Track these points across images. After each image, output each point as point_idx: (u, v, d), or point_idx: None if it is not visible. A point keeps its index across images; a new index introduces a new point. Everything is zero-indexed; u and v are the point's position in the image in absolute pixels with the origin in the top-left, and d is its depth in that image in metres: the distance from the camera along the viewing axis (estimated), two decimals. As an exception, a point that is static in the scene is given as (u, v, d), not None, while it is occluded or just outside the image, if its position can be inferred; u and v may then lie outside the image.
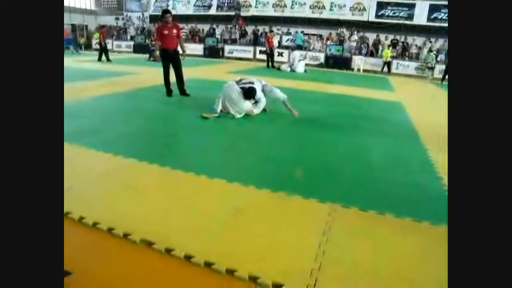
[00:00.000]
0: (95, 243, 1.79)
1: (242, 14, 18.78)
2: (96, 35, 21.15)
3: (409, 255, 1.80)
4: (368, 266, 1.69)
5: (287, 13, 17.91)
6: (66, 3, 21.18)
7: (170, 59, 5.89)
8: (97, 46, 20.43)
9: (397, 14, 16.20)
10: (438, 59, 14.25)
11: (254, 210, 2.19)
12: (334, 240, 1.88)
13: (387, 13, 16.34)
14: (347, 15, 16.90)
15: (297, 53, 12.77)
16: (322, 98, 6.91)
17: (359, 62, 14.92)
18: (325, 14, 17.25)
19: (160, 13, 6.62)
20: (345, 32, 16.33)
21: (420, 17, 15.83)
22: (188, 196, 2.33)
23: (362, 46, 15.74)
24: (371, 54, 15.75)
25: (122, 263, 1.65)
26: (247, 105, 4.53)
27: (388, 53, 14.16)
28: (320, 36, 17.22)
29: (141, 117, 4.57)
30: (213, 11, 19.59)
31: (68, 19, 21.33)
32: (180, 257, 1.67)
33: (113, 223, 1.90)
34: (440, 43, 15.28)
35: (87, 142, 3.27)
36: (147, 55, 14.76)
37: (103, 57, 12.68)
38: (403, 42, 15.81)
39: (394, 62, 14.85)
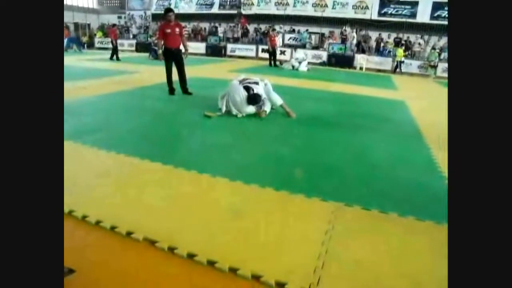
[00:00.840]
0: (98, 241, 1.80)
1: (245, 12, 18.77)
2: (99, 33, 21.26)
3: (412, 254, 1.80)
4: (371, 265, 1.68)
5: (290, 11, 17.88)
6: (68, 2, 21.24)
7: (173, 57, 5.89)
8: (100, 45, 20.60)
9: (400, 12, 16.14)
10: (442, 57, 14.18)
11: (257, 208, 2.18)
12: (337, 238, 1.88)
13: (390, 11, 16.29)
14: (350, 13, 16.84)
15: (300, 53, 12.77)
16: (325, 97, 6.89)
17: (361, 60, 14.87)
18: (328, 13, 17.21)
19: (162, 12, 6.62)
20: (348, 30, 16.26)
21: (423, 15, 15.76)
22: (190, 195, 2.33)
23: (364, 44, 15.69)
24: (378, 51, 15.71)
25: (125, 261, 1.65)
26: (251, 108, 4.51)
27: (401, 52, 14.01)
28: (323, 35, 17.16)
29: (144, 115, 4.58)
30: (215, 10, 19.59)
31: (71, 18, 21.37)
32: (183, 255, 1.67)
33: (116, 221, 1.90)
34: (444, 41, 15.20)
35: (89, 140, 3.27)
36: (149, 54, 14.75)
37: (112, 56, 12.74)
38: (406, 41, 15.74)
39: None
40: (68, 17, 20.70)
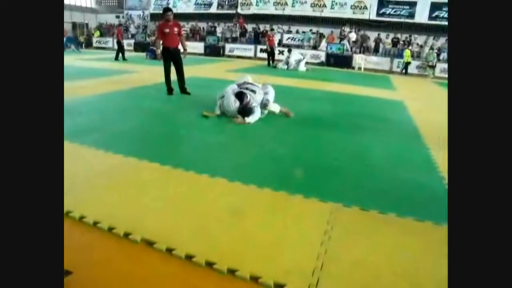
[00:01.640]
0: (96, 242, 1.78)
1: (243, 12, 18.75)
2: (97, 33, 21.21)
3: (411, 255, 1.79)
4: (370, 265, 1.68)
5: (288, 11, 17.88)
6: (66, 1, 21.15)
7: (171, 57, 5.87)
8: (98, 45, 20.56)
9: (398, 12, 16.17)
10: (441, 57, 14.21)
11: (255, 209, 2.18)
12: (335, 239, 1.87)
13: (388, 12, 16.31)
14: (348, 13, 16.86)
15: (295, 54, 12.76)
16: (323, 97, 6.89)
17: (360, 60, 14.88)
18: (326, 13, 17.21)
19: (160, 11, 6.60)
20: (347, 30, 16.28)
21: (422, 16, 15.79)
22: (189, 195, 2.32)
23: (363, 44, 15.72)
24: (376, 51, 15.74)
25: (123, 263, 1.64)
26: (241, 119, 4.37)
27: (409, 53, 13.94)
28: (321, 35, 17.17)
29: (142, 115, 4.57)
30: (213, 9, 19.56)
31: (69, 17, 21.31)
32: (181, 256, 1.66)
33: (114, 222, 1.89)
34: (441, 41, 15.23)
35: (87, 140, 3.26)
36: (146, 53, 14.69)
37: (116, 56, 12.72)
38: (404, 41, 15.77)
39: (395, 60, 14.81)
40: (66, 17, 20.63)
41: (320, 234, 1.91)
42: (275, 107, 4.69)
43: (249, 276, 1.54)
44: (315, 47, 16.64)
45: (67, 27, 20.40)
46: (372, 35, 16.46)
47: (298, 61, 12.29)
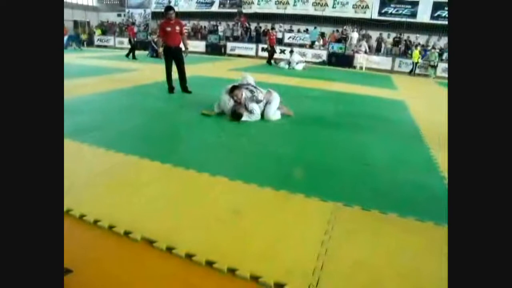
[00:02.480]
0: (96, 240, 1.78)
1: (245, 11, 18.73)
2: (98, 31, 21.22)
3: (412, 255, 1.79)
4: (371, 266, 1.67)
5: (290, 10, 17.85)
6: (68, -1, 21.19)
7: (173, 56, 5.87)
8: (99, 43, 20.57)
9: (400, 12, 16.13)
10: (443, 57, 14.17)
11: (256, 208, 2.17)
12: (336, 239, 1.87)
13: (390, 11, 16.27)
14: (350, 13, 16.83)
15: (296, 55, 12.83)
16: (324, 96, 6.88)
17: (361, 60, 14.85)
18: (328, 12, 17.19)
19: (161, 10, 6.59)
20: (349, 29, 16.24)
21: (423, 15, 15.74)
22: (189, 194, 2.32)
23: (366, 44, 15.68)
24: (377, 50, 15.73)
25: (123, 261, 1.64)
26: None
27: (417, 54, 13.81)
28: (323, 34, 17.14)
29: (143, 114, 4.56)
30: (215, 8, 19.54)
31: (70, 15, 21.32)
32: (181, 255, 1.66)
33: (114, 220, 1.89)
34: (444, 41, 15.18)
35: (88, 139, 3.26)
36: (147, 52, 14.67)
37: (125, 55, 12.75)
38: (405, 40, 15.74)
39: (397, 60, 14.77)
40: (68, 15, 20.65)
41: (321, 234, 1.90)
42: (276, 115, 4.54)
43: (249, 276, 1.54)
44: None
45: (69, 25, 20.41)
46: (374, 34, 16.42)
47: (298, 62, 12.36)
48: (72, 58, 11.62)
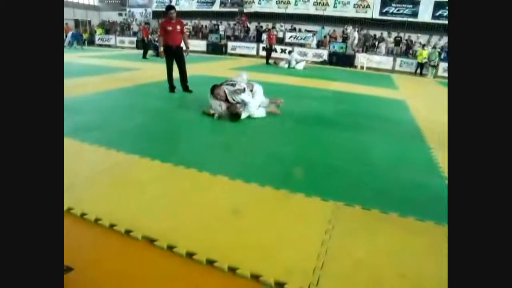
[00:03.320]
0: (97, 239, 1.79)
1: (246, 10, 18.72)
2: (99, 30, 21.22)
3: (412, 254, 1.79)
4: (371, 265, 1.67)
5: (291, 9, 17.83)
6: (69, -2, 21.19)
7: (174, 55, 5.87)
8: (100, 42, 20.57)
9: (401, 11, 16.10)
10: (442, 56, 14.14)
11: (256, 207, 2.18)
12: (336, 238, 1.87)
13: (391, 11, 16.24)
14: (351, 12, 16.80)
15: (295, 54, 12.86)
16: (325, 96, 6.87)
17: (362, 59, 14.83)
18: (329, 11, 17.17)
19: (162, 9, 6.60)
20: (350, 29, 16.22)
21: (424, 15, 15.72)
22: (190, 193, 2.32)
23: (366, 43, 15.67)
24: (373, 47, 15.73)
25: (124, 260, 1.64)
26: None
27: (423, 54, 13.65)
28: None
29: (144, 113, 4.57)
30: (216, 7, 19.53)
31: (71, 15, 21.33)
32: (182, 254, 1.66)
33: (115, 219, 1.90)
34: (444, 40, 15.15)
35: (89, 137, 3.26)
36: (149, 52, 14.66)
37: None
38: (407, 40, 15.71)
39: (398, 60, 14.75)
40: (69, 14, 20.67)
41: (321, 233, 1.91)
42: (259, 112, 4.48)
43: (249, 274, 1.54)
44: (317, 46, 16.58)
45: (71, 23, 20.43)
46: (374, 34, 16.38)
47: (299, 61, 12.39)
48: (73, 57, 11.63)
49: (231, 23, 18.77)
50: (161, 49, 5.91)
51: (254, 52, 17.18)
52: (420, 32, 15.69)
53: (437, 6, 15.40)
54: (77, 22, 21.99)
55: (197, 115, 4.51)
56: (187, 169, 2.67)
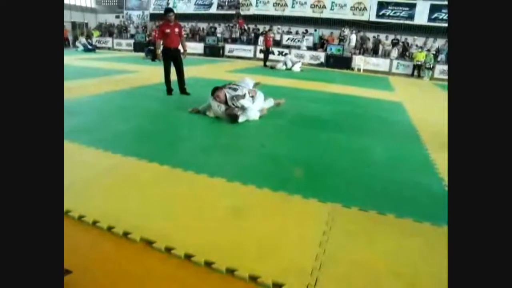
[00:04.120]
0: (95, 241, 1.79)
1: (243, 13, 18.76)
2: (96, 33, 21.18)
3: (409, 255, 1.80)
4: (369, 266, 1.68)
5: (288, 12, 17.89)
6: (66, 1, 21.12)
7: (172, 57, 5.88)
8: (97, 45, 20.51)
9: (397, 14, 16.20)
10: (439, 59, 14.23)
11: (254, 209, 2.18)
12: (334, 239, 1.88)
13: (388, 13, 16.34)
14: (348, 15, 16.88)
15: (292, 56, 12.93)
16: (322, 98, 6.90)
17: (359, 62, 14.90)
18: (326, 14, 17.24)
19: (159, 12, 6.61)
20: (347, 31, 16.29)
21: (421, 17, 15.82)
22: (188, 195, 2.33)
23: (363, 46, 15.74)
24: (375, 52, 15.81)
25: (122, 262, 1.64)
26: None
27: (419, 56, 13.72)
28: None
29: (141, 115, 4.57)
30: (213, 10, 19.56)
31: (68, 17, 21.28)
32: (180, 256, 1.67)
33: (113, 221, 1.90)
34: (440, 43, 15.25)
35: (86, 140, 3.26)
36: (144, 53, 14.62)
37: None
38: (403, 42, 15.81)
39: (395, 62, 14.82)
40: (66, 16, 20.60)
41: (319, 235, 1.91)
42: (254, 115, 4.48)
43: (248, 276, 1.55)
44: (314, 48, 16.62)
45: (68, 26, 20.41)
46: (372, 36, 16.48)
47: (295, 63, 12.44)
48: (71, 59, 11.60)
49: (229, 25, 18.80)
50: (159, 51, 5.92)
51: (251, 55, 17.20)
52: (416, 35, 15.79)
53: (433, 9, 15.51)
54: (74, 25, 21.93)
55: (194, 117, 4.52)
56: (185, 172, 2.68)
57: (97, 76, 8.07)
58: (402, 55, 15.39)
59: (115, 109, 4.84)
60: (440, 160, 3.30)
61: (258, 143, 3.67)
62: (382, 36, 16.23)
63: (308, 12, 17.56)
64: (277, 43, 16.55)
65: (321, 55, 15.77)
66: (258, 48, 16.65)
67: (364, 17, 16.67)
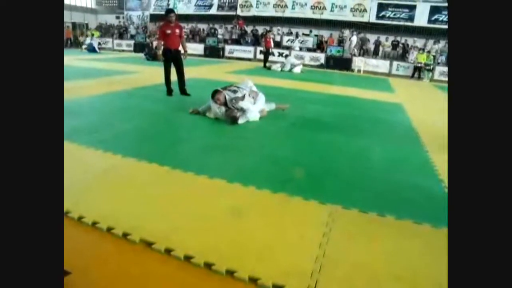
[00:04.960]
0: (95, 242, 1.78)
1: (243, 14, 18.77)
2: (96, 33, 21.18)
3: (409, 257, 1.80)
4: (368, 268, 1.68)
5: (288, 13, 17.91)
6: (66, 1, 21.15)
7: (172, 58, 5.88)
8: (98, 45, 20.51)
9: (397, 15, 16.22)
10: (439, 61, 14.25)
11: (254, 211, 2.18)
12: (334, 241, 1.88)
13: (387, 15, 16.36)
14: (348, 16, 16.90)
15: (291, 58, 12.95)
16: (322, 99, 6.90)
17: (359, 63, 14.91)
18: (326, 15, 17.26)
19: (160, 13, 6.63)
20: (347, 33, 16.31)
21: (421, 19, 15.85)
22: (188, 196, 2.32)
23: (363, 47, 15.75)
24: (375, 54, 15.82)
25: (122, 263, 1.64)
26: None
27: (419, 58, 13.74)
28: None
29: (141, 116, 4.57)
30: (213, 11, 19.58)
31: (69, 18, 21.30)
32: (179, 257, 1.66)
33: (113, 222, 1.89)
34: (440, 44, 15.28)
35: (86, 140, 3.26)
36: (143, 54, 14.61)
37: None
38: (403, 44, 15.83)
39: (395, 63, 14.84)
40: (66, 17, 20.61)
41: (319, 236, 1.91)
42: (254, 116, 4.49)
43: (247, 278, 1.54)
44: (314, 50, 16.63)
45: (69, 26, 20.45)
46: (372, 37, 16.51)
47: (295, 65, 12.44)
48: (70, 60, 11.60)
49: (229, 26, 18.82)
50: (159, 52, 5.94)
51: (251, 56, 17.22)
52: (416, 36, 15.82)
53: (433, 11, 15.53)
54: (74, 25, 21.95)
55: (194, 118, 4.52)
56: (185, 173, 2.67)
57: (97, 76, 8.07)
58: (403, 57, 15.40)
59: (115, 110, 4.84)
60: (440, 161, 3.30)
61: (258, 144, 3.67)
62: (382, 38, 16.26)
63: (308, 14, 17.58)
64: (277, 44, 16.55)
65: (321, 57, 15.79)
66: (259, 49, 16.67)
67: (364, 19, 16.69)
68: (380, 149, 3.69)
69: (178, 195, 2.34)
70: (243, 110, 4.34)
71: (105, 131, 3.70)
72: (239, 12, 18.86)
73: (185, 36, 7.08)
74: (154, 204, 2.18)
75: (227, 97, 4.37)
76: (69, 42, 19.72)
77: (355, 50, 15.33)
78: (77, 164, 2.73)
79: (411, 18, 16.04)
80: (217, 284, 1.53)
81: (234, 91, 4.49)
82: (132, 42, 19.62)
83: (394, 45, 15.87)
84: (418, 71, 13.98)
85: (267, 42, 13.32)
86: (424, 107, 7.03)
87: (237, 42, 18.18)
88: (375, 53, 16.13)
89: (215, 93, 4.43)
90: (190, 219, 2.03)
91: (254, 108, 4.50)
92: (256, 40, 17.56)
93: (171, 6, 18.93)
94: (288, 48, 16.55)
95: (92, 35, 20.47)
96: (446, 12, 15.07)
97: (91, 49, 16.86)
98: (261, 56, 15.66)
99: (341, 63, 15.05)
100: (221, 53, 17.65)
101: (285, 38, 17.34)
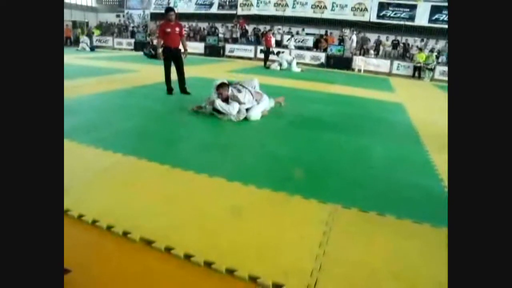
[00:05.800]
0: (95, 241, 1.79)
1: (244, 13, 18.75)
2: (97, 31, 21.18)
3: (409, 256, 1.80)
4: (368, 267, 1.68)
5: (289, 12, 17.90)
6: (67, 0, 21.13)
7: (172, 57, 5.88)
8: (98, 43, 20.51)
9: (398, 15, 16.21)
10: (439, 60, 14.25)
11: (254, 209, 2.18)
12: (334, 240, 1.88)
13: (388, 14, 16.35)
14: (349, 15, 16.89)
15: (285, 55, 12.98)
16: (322, 98, 6.90)
17: (360, 62, 14.90)
18: (327, 14, 17.24)
19: (160, 11, 6.62)
20: (347, 32, 16.29)
21: (422, 18, 15.84)
22: (188, 195, 2.32)
23: (363, 46, 15.74)
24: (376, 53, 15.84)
25: (122, 262, 1.64)
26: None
27: (422, 56, 13.73)
28: (322, 36, 17.16)
29: (141, 115, 4.57)
30: (214, 10, 19.57)
31: (69, 16, 21.29)
32: (179, 256, 1.66)
33: (113, 221, 1.89)
34: (441, 44, 15.27)
35: (86, 139, 3.26)
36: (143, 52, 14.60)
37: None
38: (404, 43, 15.82)
39: (395, 63, 14.83)
40: (66, 15, 20.59)
41: (319, 235, 1.91)
42: (255, 116, 4.50)
43: (247, 276, 1.54)
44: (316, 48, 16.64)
45: (69, 25, 20.42)
46: (372, 37, 16.49)
47: (290, 61, 12.38)
48: (70, 58, 11.59)
49: (229, 25, 18.81)
50: (159, 50, 5.93)
51: (252, 55, 17.20)
52: (417, 36, 15.80)
53: (434, 10, 15.52)
54: (74, 24, 21.93)
55: (194, 117, 4.52)
56: (185, 171, 2.67)
57: (97, 75, 8.07)
58: (403, 56, 15.39)
59: (115, 108, 4.84)
60: (440, 161, 3.30)
61: (259, 143, 3.67)
62: (382, 37, 16.24)
63: (308, 13, 17.56)
64: (278, 43, 16.53)
65: (322, 56, 15.78)
66: (259, 48, 16.64)
67: (365, 18, 16.68)
68: (380, 149, 3.68)
69: (178, 193, 2.34)
70: (228, 110, 4.33)
71: (105, 130, 3.70)
72: (239, 11, 18.84)
73: (186, 35, 7.07)
74: (154, 203, 2.18)
75: (230, 92, 4.38)
76: (68, 41, 19.65)
77: (357, 49, 15.32)
78: (77, 163, 2.72)
79: (412, 18, 16.02)
80: (217, 283, 1.53)
81: (239, 91, 4.46)
82: (132, 40, 19.60)
83: (395, 45, 15.85)
84: (418, 71, 13.98)
85: (267, 41, 13.29)
86: (425, 107, 7.03)
87: (236, 40, 18.15)
88: (376, 50, 16.07)
89: (220, 86, 4.40)
90: (190, 217, 2.03)
91: (258, 108, 4.50)
92: (257, 39, 17.54)
93: (171, 5, 18.91)
94: (287, 47, 16.53)
95: (93, 33, 20.48)
96: (447, 12, 15.05)
97: (92, 48, 16.84)
98: (262, 55, 15.65)
99: (341, 63, 15.04)
100: (221, 52, 17.63)
101: (286, 37, 17.33)
